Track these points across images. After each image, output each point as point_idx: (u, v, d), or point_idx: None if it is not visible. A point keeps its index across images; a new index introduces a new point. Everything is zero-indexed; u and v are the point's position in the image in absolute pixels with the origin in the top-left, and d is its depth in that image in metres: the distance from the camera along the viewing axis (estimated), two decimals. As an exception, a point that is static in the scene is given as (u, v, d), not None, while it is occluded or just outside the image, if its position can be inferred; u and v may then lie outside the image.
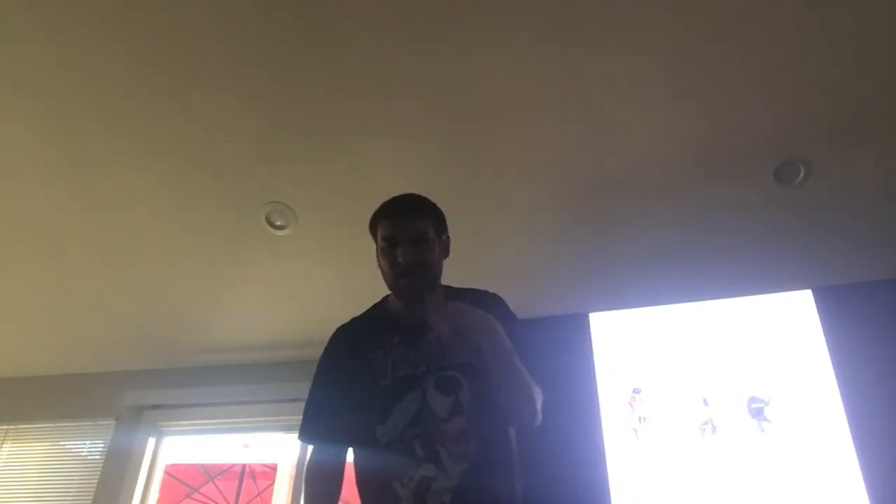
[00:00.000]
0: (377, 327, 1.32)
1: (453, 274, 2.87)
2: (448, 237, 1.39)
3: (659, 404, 2.49)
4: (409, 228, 1.28)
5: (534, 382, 1.23)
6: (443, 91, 2.02)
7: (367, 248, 1.93)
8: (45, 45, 1.89)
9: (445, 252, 1.38)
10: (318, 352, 1.49)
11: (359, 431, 1.24)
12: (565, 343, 2.69)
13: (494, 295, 1.42)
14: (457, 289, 1.40)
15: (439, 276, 1.35)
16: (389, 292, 1.36)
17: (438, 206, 1.37)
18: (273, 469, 3.09)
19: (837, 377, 2.35)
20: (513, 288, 2.73)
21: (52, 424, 3.21)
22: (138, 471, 3.00)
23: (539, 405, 1.23)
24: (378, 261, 1.34)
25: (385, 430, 1.21)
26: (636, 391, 2.53)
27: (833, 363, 2.38)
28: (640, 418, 2.48)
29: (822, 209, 2.32)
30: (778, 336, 2.50)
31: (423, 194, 1.37)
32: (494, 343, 1.19)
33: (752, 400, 2.41)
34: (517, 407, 1.21)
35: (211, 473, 3.35)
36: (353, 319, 1.38)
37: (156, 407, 3.14)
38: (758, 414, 2.38)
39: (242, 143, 2.19)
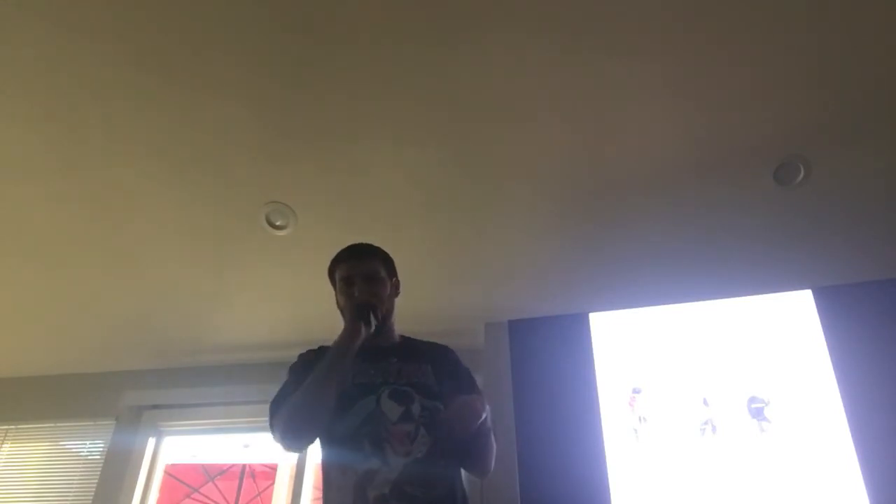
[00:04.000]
0: None
1: (454, 274, 2.89)
2: (398, 280, 1.61)
3: (659, 404, 2.49)
4: (362, 268, 1.52)
5: (494, 441, 1.43)
6: (443, 92, 2.02)
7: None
8: (44, 45, 1.89)
9: (396, 291, 1.60)
10: (318, 352, 1.50)
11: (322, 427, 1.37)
12: (565, 343, 2.69)
13: (450, 349, 1.60)
14: (416, 340, 1.59)
15: (391, 311, 1.55)
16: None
17: (388, 252, 1.61)
18: (273, 469, 3.09)
19: (837, 377, 2.35)
20: (513, 288, 2.75)
21: (52, 424, 3.21)
22: (138, 471, 3.00)
23: (493, 462, 1.44)
24: (337, 301, 1.56)
25: (341, 427, 1.35)
26: (636, 391, 2.53)
27: (833, 363, 2.38)
28: (640, 418, 2.48)
29: (822, 209, 2.32)
30: (778, 336, 2.49)
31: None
32: (482, 426, 1.36)
33: (752, 400, 2.41)
34: (481, 465, 1.43)
35: (211, 473, 3.35)
36: (319, 347, 1.52)
37: (156, 407, 3.14)
38: (758, 414, 2.38)
39: (242, 143, 2.19)
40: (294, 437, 1.34)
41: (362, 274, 1.51)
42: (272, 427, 1.39)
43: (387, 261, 1.60)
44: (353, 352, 1.38)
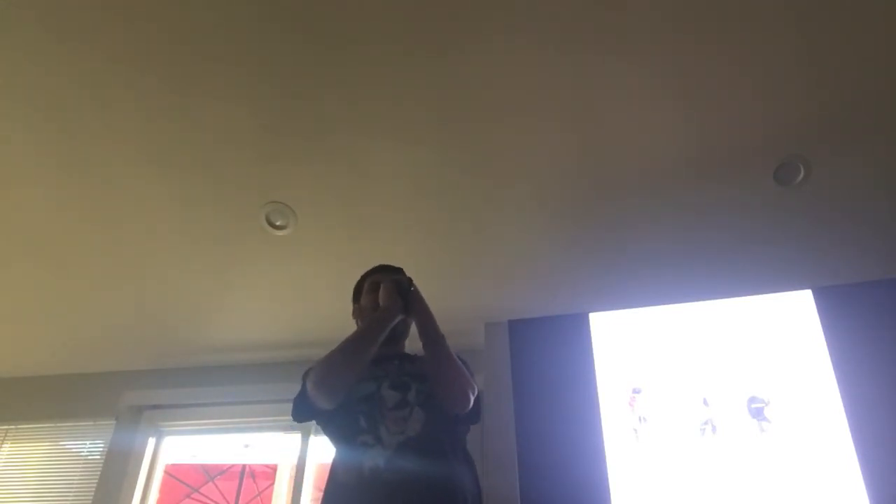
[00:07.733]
0: None
1: (454, 274, 2.88)
2: None
3: (659, 404, 2.49)
4: (390, 276, 1.64)
5: (467, 375, 1.49)
6: (443, 92, 2.02)
7: (367, 249, 1.94)
8: (43, 46, 1.89)
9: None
10: (318, 352, 1.52)
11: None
12: (565, 343, 2.69)
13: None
14: (419, 356, 1.63)
15: (406, 332, 1.66)
16: None
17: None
18: (273, 469, 3.09)
19: (837, 377, 2.35)
20: (513, 288, 2.75)
21: (52, 424, 3.21)
22: (138, 471, 3.00)
23: (469, 395, 1.47)
24: (355, 311, 1.70)
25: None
26: (636, 391, 2.53)
27: (833, 363, 2.37)
28: (640, 418, 2.48)
29: (822, 209, 2.32)
30: (778, 336, 2.49)
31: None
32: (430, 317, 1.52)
33: (752, 400, 2.41)
34: (446, 386, 1.45)
35: (211, 473, 3.35)
36: None
37: (156, 407, 3.14)
38: (758, 414, 2.38)
39: (242, 143, 2.19)
40: (330, 381, 1.42)
41: (390, 279, 1.63)
42: (302, 394, 1.50)
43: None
44: (393, 319, 1.50)
